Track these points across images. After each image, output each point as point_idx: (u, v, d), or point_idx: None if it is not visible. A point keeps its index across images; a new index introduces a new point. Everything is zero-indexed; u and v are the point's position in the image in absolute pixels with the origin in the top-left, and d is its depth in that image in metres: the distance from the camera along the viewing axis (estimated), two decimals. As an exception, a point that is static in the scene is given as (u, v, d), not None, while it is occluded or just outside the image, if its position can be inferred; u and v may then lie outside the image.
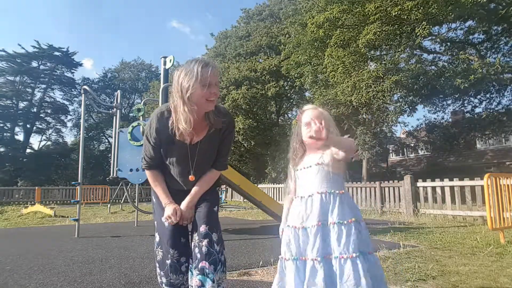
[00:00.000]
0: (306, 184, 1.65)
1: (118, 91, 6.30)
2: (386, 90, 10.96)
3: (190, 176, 1.73)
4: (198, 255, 1.61)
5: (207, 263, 1.58)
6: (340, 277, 1.42)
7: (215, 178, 1.83)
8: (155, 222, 1.82)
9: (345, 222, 1.50)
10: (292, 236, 1.58)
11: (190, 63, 1.62)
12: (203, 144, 1.72)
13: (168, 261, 1.72)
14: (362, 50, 11.33)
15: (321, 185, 1.59)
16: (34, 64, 30.55)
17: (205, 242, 1.61)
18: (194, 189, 1.76)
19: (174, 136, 1.67)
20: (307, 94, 20.43)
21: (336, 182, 1.61)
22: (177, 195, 1.78)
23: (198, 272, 1.59)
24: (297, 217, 1.60)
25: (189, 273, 1.70)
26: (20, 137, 30.43)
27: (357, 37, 11.25)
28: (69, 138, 36.36)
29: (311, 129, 1.62)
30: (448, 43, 14.10)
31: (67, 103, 33.40)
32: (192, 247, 1.67)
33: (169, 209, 1.71)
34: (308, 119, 1.68)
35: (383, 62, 12.04)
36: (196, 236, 1.66)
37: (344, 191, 1.61)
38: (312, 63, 14.46)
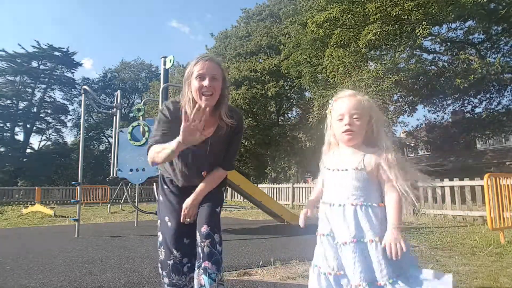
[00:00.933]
0: (336, 190, 1.37)
1: (118, 91, 6.30)
2: (386, 90, 10.94)
3: (203, 172, 1.73)
4: (201, 255, 1.62)
5: (209, 263, 1.58)
6: None
7: (221, 178, 1.81)
8: (159, 221, 1.81)
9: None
10: (325, 246, 1.37)
11: (194, 58, 1.67)
12: (213, 141, 1.70)
13: (170, 262, 1.72)
14: (362, 50, 11.33)
15: (356, 195, 1.32)
16: (34, 64, 30.62)
17: (207, 242, 1.61)
18: (200, 187, 1.74)
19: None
20: (307, 94, 20.43)
21: (375, 192, 1.34)
22: (181, 192, 1.78)
23: (202, 272, 1.59)
24: (326, 227, 1.37)
25: (195, 271, 1.70)
26: (20, 137, 30.53)
27: (357, 37, 11.24)
28: (69, 138, 36.45)
29: (343, 126, 1.36)
30: (448, 43, 14.09)
31: (67, 103, 33.55)
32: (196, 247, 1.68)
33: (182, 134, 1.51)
34: (342, 111, 1.38)
35: (383, 62, 12.02)
36: (198, 236, 1.66)
37: (384, 203, 1.33)
38: (311, 63, 14.46)
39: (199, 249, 1.63)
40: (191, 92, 1.62)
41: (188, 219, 1.71)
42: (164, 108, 1.73)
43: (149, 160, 1.66)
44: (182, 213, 1.71)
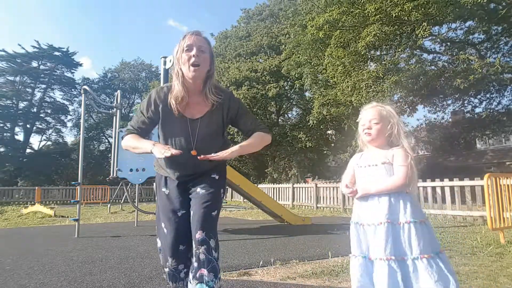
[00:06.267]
0: (369, 182, 1.63)
1: (118, 91, 6.31)
2: (386, 90, 10.94)
3: (192, 151, 1.68)
4: (195, 264, 1.57)
5: (206, 270, 1.54)
6: (417, 278, 1.43)
7: (268, 139, 1.83)
8: (156, 227, 1.79)
9: (418, 221, 1.51)
10: (358, 234, 1.60)
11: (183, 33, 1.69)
12: (204, 120, 1.71)
13: (166, 269, 1.71)
14: (362, 52, 11.33)
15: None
16: (34, 64, 30.56)
17: (202, 249, 1.56)
18: (246, 141, 1.74)
19: (172, 109, 1.67)
20: (307, 94, 20.42)
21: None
22: (179, 193, 1.75)
23: (197, 281, 1.53)
24: (363, 215, 1.61)
25: (189, 283, 1.67)
26: (20, 137, 30.46)
27: (357, 38, 11.24)
28: (69, 138, 36.41)
29: (364, 132, 1.71)
30: (448, 43, 14.08)
31: (67, 103, 33.46)
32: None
33: (157, 147, 1.58)
34: (363, 121, 1.73)
35: (383, 62, 12.02)
36: (193, 243, 1.61)
37: (409, 190, 1.59)
38: (312, 63, 14.45)
39: (194, 257, 1.58)
40: (180, 67, 1.64)
41: (216, 156, 1.62)
42: (157, 91, 1.73)
43: (124, 148, 1.76)
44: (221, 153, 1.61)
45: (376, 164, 1.64)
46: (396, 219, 1.52)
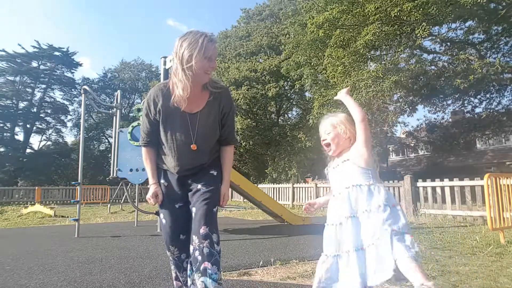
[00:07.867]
0: (336, 183, 1.72)
1: (118, 91, 6.31)
2: (386, 90, 10.94)
3: (192, 145, 1.75)
4: (199, 257, 1.61)
5: (209, 264, 1.59)
6: (374, 261, 1.47)
7: (232, 152, 1.93)
8: (159, 218, 1.90)
9: (376, 207, 1.54)
10: (331, 233, 1.67)
11: (195, 34, 1.65)
12: (203, 114, 1.76)
13: (171, 258, 1.82)
14: (361, 51, 11.32)
15: (348, 181, 1.65)
16: (34, 64, 30.56)
17: (206, 243, 1.62)
18: (224, 171, 1.88)
19: (172, 105, 1.72)
20: (307, 94, 20.43)
21: (364, 176, 1.64)
22: (177, 185, 1.82)
23: (201, 274, 1.58)
24: (333, 215, 1.69)
25: (189, 278, 1.73)
26: (20, 137, 30.47)
27: (357, 37, 11.23)
28: (69, 138, 36.40)
29: (323, 144, 1.79)
30: (448, 43, 14.08)
31: (67, 103, 33.47)
32: (192, 250, 1.66)
33: (151, 190, 1.81)
34: (320, 133, 1.82)
35: (383, 62, 12.01)
36: (196, 239, 1.65)
37: (374, 182, 1.62)
38: (311, 64, 14.45)
39: (197, 252, 1.62)
40: (194, 65, 1.63)
41: (225, 203, 1.88)
42: (155, 90, 1.78)
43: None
44: (222, 200, 1.84)
45: (338, 164, 1.74)
46: (357, 211, 1.58)
